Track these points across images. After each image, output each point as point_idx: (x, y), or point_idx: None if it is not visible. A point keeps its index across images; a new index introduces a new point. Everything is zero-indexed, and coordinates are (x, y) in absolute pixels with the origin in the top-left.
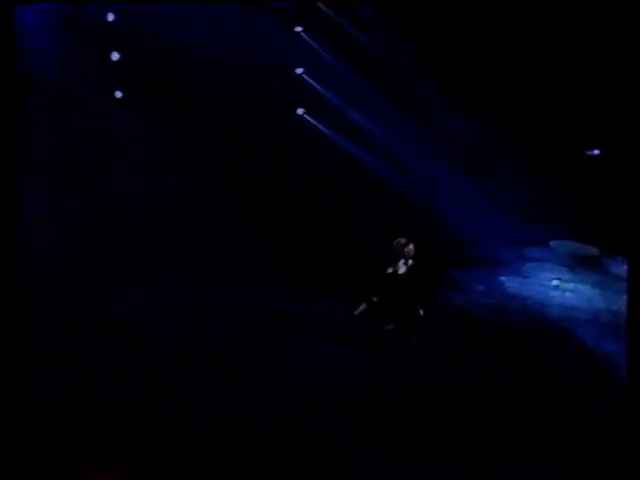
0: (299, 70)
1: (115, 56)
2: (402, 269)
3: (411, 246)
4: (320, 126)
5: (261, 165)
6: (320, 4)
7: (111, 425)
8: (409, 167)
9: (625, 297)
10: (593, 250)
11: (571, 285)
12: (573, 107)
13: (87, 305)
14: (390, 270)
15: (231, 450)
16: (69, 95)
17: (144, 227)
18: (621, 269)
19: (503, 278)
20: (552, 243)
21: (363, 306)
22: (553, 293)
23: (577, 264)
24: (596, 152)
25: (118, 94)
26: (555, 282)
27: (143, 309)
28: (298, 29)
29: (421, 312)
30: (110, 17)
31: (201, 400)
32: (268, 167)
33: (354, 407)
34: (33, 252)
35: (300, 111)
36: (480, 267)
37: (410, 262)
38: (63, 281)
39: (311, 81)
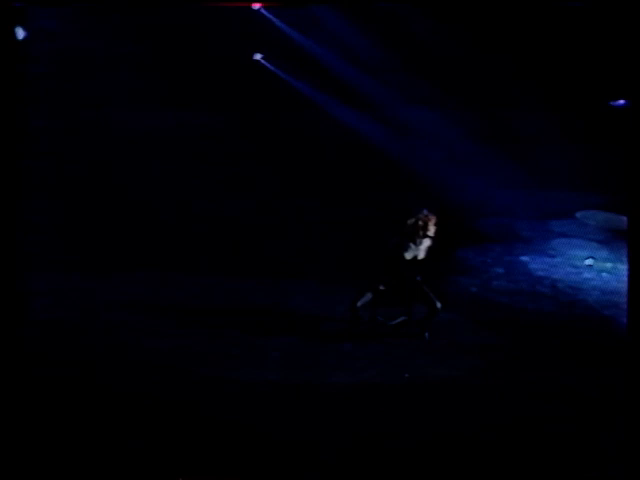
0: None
1: None
2: (422, 251)
3: (434, 221)
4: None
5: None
6: None
7: None
8: (405, 124)
9: None
10: (622, 221)
11: (609, 264)
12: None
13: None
14: (409, 252)
15: None
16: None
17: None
18: None
19: (526, 258)
20: (579, 214)
21: (368, 296)
22: (588, 274)
23: (612, 239)
24: (621, 102)
25: None
26: (589, 261)
27: None
28: None
29: (439, 304)
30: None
31: None
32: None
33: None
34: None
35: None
36: (497, 246)
37: (425, 244)
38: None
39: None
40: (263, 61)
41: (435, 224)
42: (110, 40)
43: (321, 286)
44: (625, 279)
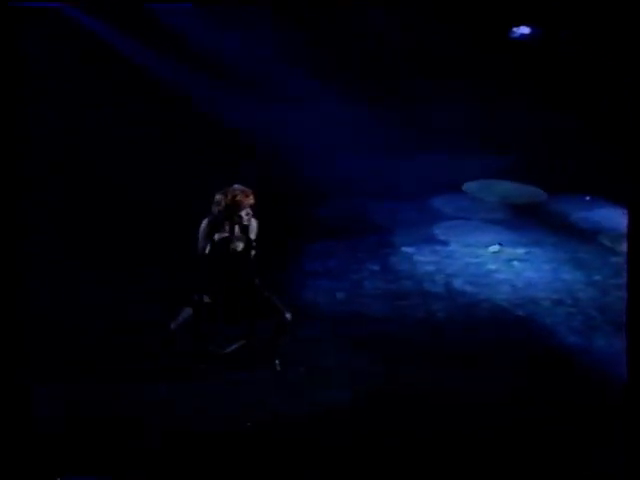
0: None
1: None
2: (240, 243)
3: (252, 197)
4: None
5: None
6: None
7: None
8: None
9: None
10: (536, 192)
11: (520, 251)
12: None
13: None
14: (220, 241)
15: None
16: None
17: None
18: (585, 216)
19: (409, 249)
20: (468, 186)
21: (187, 313)
22: (493, 265)
23: (519, 217)
24: (525, 30)
25: None
26: (494, 248)
27: None
28: None
29: (288, 315)
30: None
31: None
32: None
33: None
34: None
35: None
36: (369, 235)
37: (253, 227)
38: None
39: None
40: None
41: (252, 202)
42: None
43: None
44: (545, 267)
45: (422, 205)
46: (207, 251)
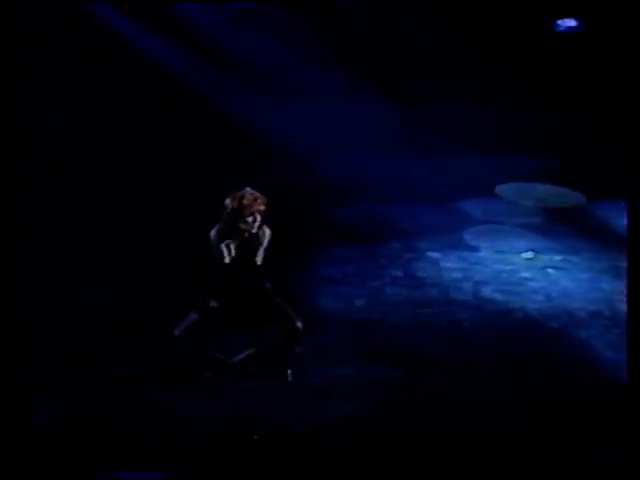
0: None
1: None
2: (262, 246)
3: (261, 203)
4: None
5: None
6: None
7: None
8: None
9: None
10: (575, 196)
11: (556, 258)
12: None
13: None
14: (229, 250)
15: None
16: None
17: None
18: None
19: (436, 254)
20: (501, 188)
21: (193, 318)
22: (527, 273)
23: (555, 222)
24: (572, 23)
25: None
26: (528, 254)
27: None
28: None
29: (299, 324)
30: None
31: None
32: None
33: None
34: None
35: None
36: (389, 239)
37: (266, 232)
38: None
39: None
40: None
41: (261, 208)
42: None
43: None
44: (582, 276)
45: (450, 208)
46: (226, 261)
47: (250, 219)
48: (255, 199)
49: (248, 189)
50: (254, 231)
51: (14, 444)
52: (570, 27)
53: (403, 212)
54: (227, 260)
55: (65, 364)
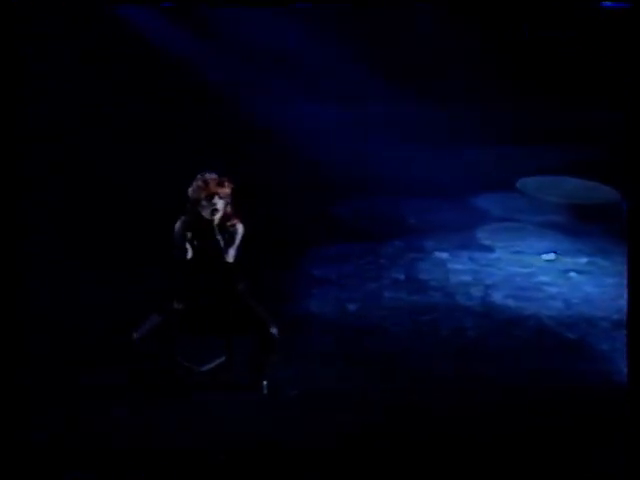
0: None
1: None
2: (219, 237)
3: (225, 186)
4: None
5: None
6: None
7: None
8: None
9: None
10: (608, 192)
11: (581, 260)
12: None
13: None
14: (192, 244)
15: None
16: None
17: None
18: None
19: (443, 254)
20: (523, 183)
21: (154, 320)
22: (545, 277)
23: (582, 220)
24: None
25: None
26: (547, 256)
27: None
28: None
29: (274, 330)
30: None
31: None
32: None
33: None
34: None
35: None
36: (392, 237)
37: (238, 228)
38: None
39: None
40: None
41: (227, 191)
42: None
43: None
44: (608, 281)
45: (464, 204)
46: (188, 256)
47: (207, 202)
48: (217, 181)
49: (208, 173)
50: (217, 219)
51: (12, 446)
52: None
53: (409, 207)
54: (189, 255)
55: (65, 364)
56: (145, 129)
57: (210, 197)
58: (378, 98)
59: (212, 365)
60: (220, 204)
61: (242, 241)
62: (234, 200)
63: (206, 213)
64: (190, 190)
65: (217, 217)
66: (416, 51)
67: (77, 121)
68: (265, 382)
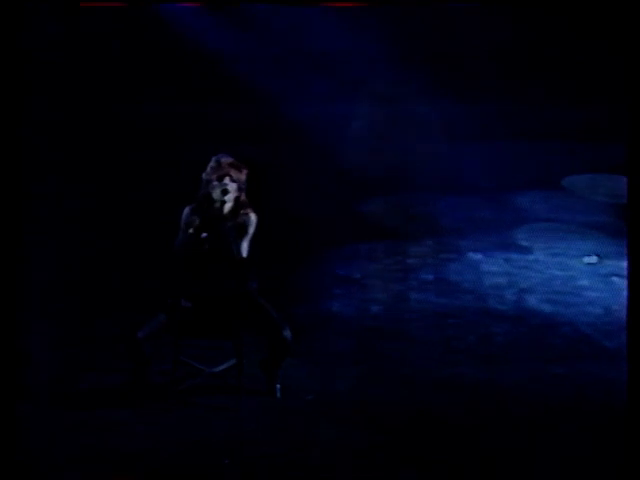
0: None
1: None
2: (247, 235)
3: (240, 170)
4: None
5: None
6: None
7: None
8: None
9: None
10: None
11: (625, 264)
12: None
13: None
14: (199, 234)
15: None
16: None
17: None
18: None
19: (477, 255)
20: (569, 180)
21: (160, 319)
22: (585, 280)
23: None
24: None
25: None
26: (589, 259)
27: None
28: None
29: (286, 333)
30: None
31: None
32: None
33: None
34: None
35: None
36: (423, 236)
37: (251, 217)
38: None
39: None
40: None
41: (242, 177)
42: None
43: None
44: None
45: (502, 202)
46: (186, 247)
47: (218, 182)
48: (231, 163)
49: (224, 156)
50: (228, 205)
51: (9, 446)
52: None
53: (442, 205)
54: (191, 244)
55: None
56: (145, 129)
57: (222, 177)
58: (411, 95)
59: (223, 367)
60: (232, 186)
61: (255, 234)
62: (252, 190)
63: (216, 194)
64: (204, 173)
65: (228, 199)
66: (449, 47)
67: (77, 121)
68: (278, 386)
